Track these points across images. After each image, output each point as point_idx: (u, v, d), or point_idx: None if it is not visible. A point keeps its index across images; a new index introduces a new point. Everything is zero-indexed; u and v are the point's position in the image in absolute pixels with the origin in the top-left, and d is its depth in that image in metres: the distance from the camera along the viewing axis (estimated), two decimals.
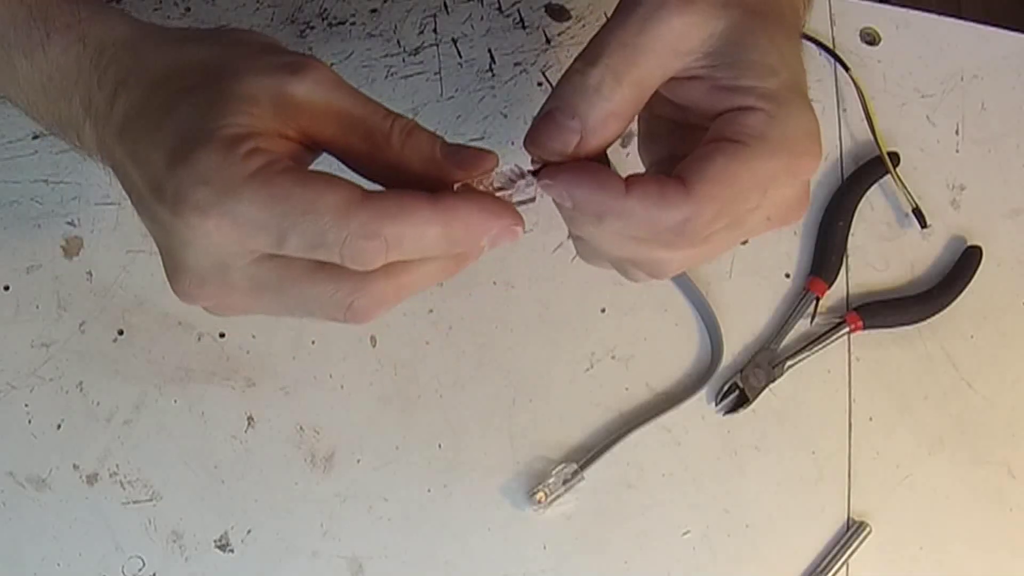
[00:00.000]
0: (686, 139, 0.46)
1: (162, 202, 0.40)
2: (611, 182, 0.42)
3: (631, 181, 0.43)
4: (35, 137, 0.62)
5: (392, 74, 0.67)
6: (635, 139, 0.64)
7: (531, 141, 0.44)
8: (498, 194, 0.43)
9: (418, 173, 0.43)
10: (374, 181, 0.43)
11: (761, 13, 0.45)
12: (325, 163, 0.43)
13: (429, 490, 0.61)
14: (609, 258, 0.47)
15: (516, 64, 0.69)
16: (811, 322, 0.67)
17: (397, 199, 0.40)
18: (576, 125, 0.43)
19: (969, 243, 0.70)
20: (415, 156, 0.43)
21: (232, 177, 0.39)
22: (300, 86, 0.42)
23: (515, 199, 0.44)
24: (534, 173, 0.44)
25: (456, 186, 0.43)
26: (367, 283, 0.41)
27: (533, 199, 0.44)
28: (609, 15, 0.69)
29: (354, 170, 0.44)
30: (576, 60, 0.44)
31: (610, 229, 0.44)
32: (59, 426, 0.59)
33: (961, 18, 0.76)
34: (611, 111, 0.44)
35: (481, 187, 0.43)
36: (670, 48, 0.44)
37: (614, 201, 0.42)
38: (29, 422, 0.59)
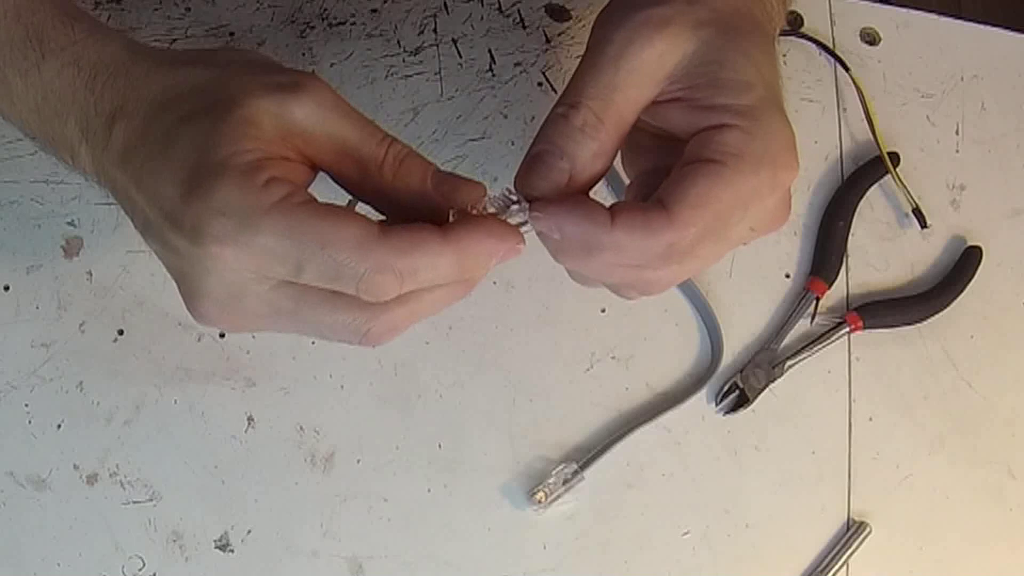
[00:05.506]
0: (668, 151, 0.47)
1: (179, 232, 0.41)
2: (597, 214, 0.44)
3: (615, 211, 0.44)
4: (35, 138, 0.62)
5: (392, 74, 0.67)
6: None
7: (522, 181, 0.45)
8: None
9: (407, 203, 0.44)
10: (367, 204, 0.44)
11: (735, 27, 0.46)
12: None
13: (429, 490, 0.61)
14: (600, 283, 0.49)
15: (516, 64, 0.68)
16: (811, 322, 0.67)
17: (410, 235, 0.41)
18: (565, 165, 0.45)
19: (969, 243, 0.70)
20: (406, 186, 0.44)
21: (251, 209, 0.40)
22: (300, 108, 0.42)
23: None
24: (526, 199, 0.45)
25: (452, 212, 0.44)
26: (382, 311, 0.43)
27: (525, 222, 0.45)
28: None
29: (348, 192, 0.45)
30: (558, 104, 0.46)
31: (599, 259, 0.45)
32: (59, 426, 0.59)
33: (961, 18, 0.76)
34: (597, 149, 0.45)
35: (474, 212, 0.44)
36: (647, 78, 0.45)
37: (601, 233, 0.43)
38: (29, 422, 0.59)
